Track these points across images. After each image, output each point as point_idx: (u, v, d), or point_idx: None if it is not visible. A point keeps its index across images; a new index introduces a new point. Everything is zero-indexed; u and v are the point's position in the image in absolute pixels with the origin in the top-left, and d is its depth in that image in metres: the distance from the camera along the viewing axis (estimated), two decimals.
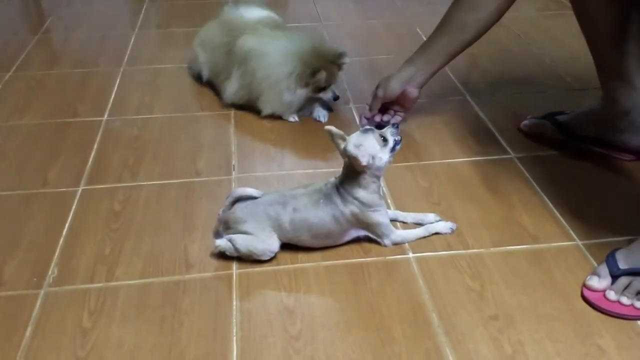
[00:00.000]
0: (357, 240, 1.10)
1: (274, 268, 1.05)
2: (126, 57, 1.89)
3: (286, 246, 1.07)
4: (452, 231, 1.12)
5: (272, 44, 1.49)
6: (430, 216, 1.15)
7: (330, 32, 2.04)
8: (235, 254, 1.05)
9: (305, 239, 1.06)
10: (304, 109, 1.52)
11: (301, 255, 1.07)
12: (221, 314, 0.96)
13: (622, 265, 0.97)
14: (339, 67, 1.49)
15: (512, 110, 1.53)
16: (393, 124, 1.08)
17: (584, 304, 0.97)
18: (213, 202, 1.21)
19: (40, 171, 1.32)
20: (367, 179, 1.03)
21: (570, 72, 1.73)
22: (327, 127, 1.03)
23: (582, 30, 1.24)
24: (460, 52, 1.35)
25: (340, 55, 1.47)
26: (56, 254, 1.09)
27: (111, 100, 1.62)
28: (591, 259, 1.06)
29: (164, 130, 1.48)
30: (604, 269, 0.99)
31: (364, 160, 0.99)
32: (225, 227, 1.06)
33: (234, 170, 1.32)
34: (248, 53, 1.49)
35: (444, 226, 1.12)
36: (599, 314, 0.95)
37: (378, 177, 1.05)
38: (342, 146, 1.02)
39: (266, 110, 1.50)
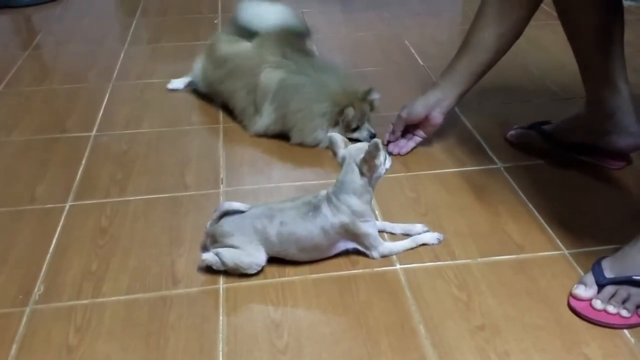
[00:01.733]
0: (345, 252, 1.10)
1: (261, 282, 1.05)
2: (115, 72, 1.89)
3: (273, 259, 1.07)
4: (439, 242, 1.12)
5: (303, 74, 1.46)
6: (418, 227, 1.15)
7: (319, 44, 2.04)
8: (222, 268, 1.05)
9: (292, 253, 1.06)
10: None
11: (289, 269, 1.07)
12: (207, 329, 0.96)
13: (608, 274, 0.98)
14: (370, 104, 1.45)
15: (499, 120, 1.54)
16: (389, 153, 1.11)
17: (570, 313, 0.97)
18: (201, 216, 1.21)
19: (28, 187, 1.32)
20: (363, 186, 1.03)
21: (557, 82, 1.75)
22: (330, 133, 1.06)
23: (566, 34, 1.25)
24: (485, 72, 1.33)
25: (369, 92, 1.44)
26: (43, 270, 1.09)
27: (100, 116, 1.62)
28: (577, 267, 1.06)
29: (152, 145, 1.48)
30: (590, 278, 0.99)
31: (382, 155, 1.01)
32: (212, 240, 1.06)
33: (222, 183, 1.32)
34: (280, 85, 1.46)
35: (431, 237, 1.13)
36: (585, 322, 0.95)
37: (373, 188, 1.05)
38: (342, 152, 1.03)
39: (295, 139, 1.46)
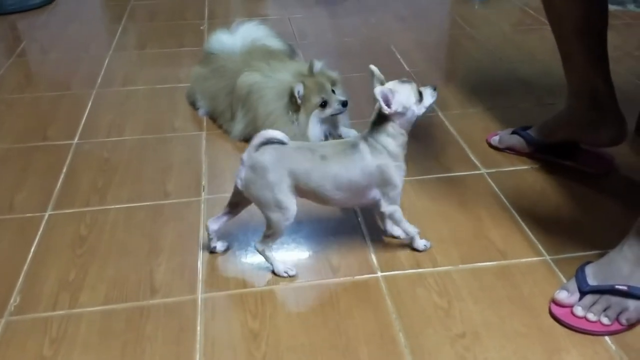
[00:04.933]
0: (326, 259, 1.10)
1: (240, 291, 1.04)
2: (99, 79, 1.88)
3: (254, 267, 1.06)
4: (426, 248, 1.11)
5: (272, 78, 1.46)
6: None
7: (306, 49, 2.04)
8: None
9: (327, 189, 1.02)
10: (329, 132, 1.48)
11: (269, 277, 1.06)
12: (185, 339, 0.94)
13: (591, 281, 0.97)
14: (328, 77, 1.44)
15: (483, 126, 1.54)
16: (433, 87, 1.06)
17: (551, 319, 0.96)
18: (181, 224, 1.20)
19: (7, 196, 1.30)
20: (395, 128, 1.02)
21: (542, 87, 1.75)
22: (371, 65, 1.03)
23: (549, 22, 1.24)
24: None
25: (311, 65, 1.43)
26: (19, 281, 1.07)
27: (82, 123, 1.61)
28: (559, 274, 1.05)
29: (134, 153, 1.47)
30: (572, 284, 0.98)
31: (393, 107, 0.99)
32: (252, 169, 1.00)
33: (203, 191, 1.31)
34: (250, 89, 1.46)
35: (419, 243, 1.11)
36: (566, 329, 0.94)
37: (406, 131, 1.03)
38: (375, 90, 1.00)
39: None
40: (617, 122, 1.26)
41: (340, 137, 1.49)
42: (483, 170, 1.35)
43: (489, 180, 1.32)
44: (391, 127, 1.02)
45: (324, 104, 1.42)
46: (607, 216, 1.21)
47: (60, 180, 1.36)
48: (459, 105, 1.65)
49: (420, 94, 1.03)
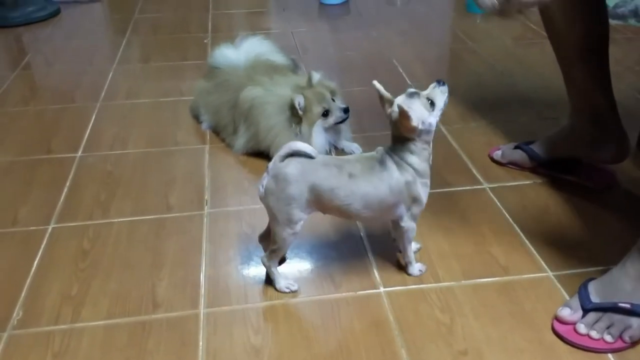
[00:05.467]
0: (328, 274, 1.10)
1: (242, 306, 1.04)
2: (103, 92, 1.89)
3: (256, 282, 1.06)
4: (421, 274, 1.10)
5: (273, 93, 1.47)
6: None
7: (308, 63, 2.05)
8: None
9: (355, 208, 1.00)
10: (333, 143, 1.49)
11: (271, 292, 1.06)
12: (187, 354, 0.94)
13: (594, 298, 0.97)
14: (327, 88, 1.45)
15: (485, 140, 1.54)
16: (439, 81, 1.01)
17: (553, 336, 0.96)
18: (183, 238, 1.20)
19: (11, 210, 1.31)
20: (417, 145, 1.00)
21: (543, 101, 1.75)
22: (374, 82, 0.99)
23: (550, 41, 1.25)
24: None
25: (309, 77, 1.44)
26: (22, 295, 1.07)
27: (86, 136, 1.61)
28: (562, 290, 1.05)
29: (137, 166, 1.47)
30: (575, 302, 0.98)
31: (414, 123, 0.95)
32: (275, 180, 0.98)
33: (206, 205, 1.32)
34: (252, 103, 1.47)
35: (414, 269, 1.11)
36: (568, 346, 0.94)
37: (428, 143, 1.01)
38: (389, 110, 0.99)
39: None
40: (620, 139, 1.26)
41: (342, 150, 1.50)
42: (485, 185, 1.36)
43: (492, 195, 1.32)
44: (413, 144, 1.00)
45: (326, 113, 1.43)
46: (609, 232, 1.21)
47: (64, 193, 1.36)
48: (461, 119, 1.66)
49: (431, 102, 0.99)
